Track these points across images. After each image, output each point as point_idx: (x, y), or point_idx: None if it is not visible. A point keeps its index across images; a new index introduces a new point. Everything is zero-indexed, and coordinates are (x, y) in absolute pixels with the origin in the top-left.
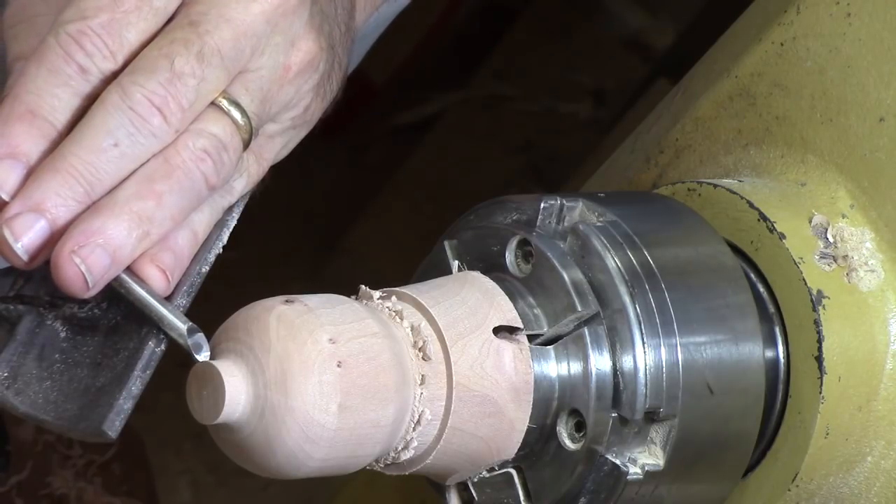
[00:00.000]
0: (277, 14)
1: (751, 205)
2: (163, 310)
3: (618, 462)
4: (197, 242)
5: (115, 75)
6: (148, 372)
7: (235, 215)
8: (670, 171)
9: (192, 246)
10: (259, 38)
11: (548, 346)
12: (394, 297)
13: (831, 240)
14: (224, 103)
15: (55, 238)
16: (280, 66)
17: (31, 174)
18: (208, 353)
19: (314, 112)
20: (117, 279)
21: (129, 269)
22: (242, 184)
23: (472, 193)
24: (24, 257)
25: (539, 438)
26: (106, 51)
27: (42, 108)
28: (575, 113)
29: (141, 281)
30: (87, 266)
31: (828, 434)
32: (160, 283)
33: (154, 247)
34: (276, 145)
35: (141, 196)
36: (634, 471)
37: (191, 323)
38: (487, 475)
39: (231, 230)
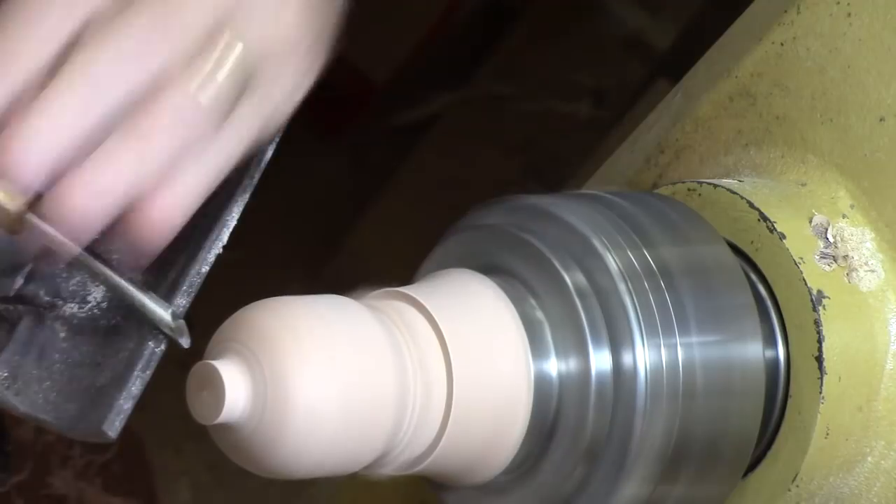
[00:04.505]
0: None
1: (751, 205)
2: (143, 296)
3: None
4: (198, 195)
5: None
6: (148, 372)
7: (235, 215)
8: (670, 171)
9: (194, 197)
10: None
11: (548, 346)
12: (394, 298)
13: (831, 240)
14: (226, 38)
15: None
16: (279, 2)
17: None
18: (188, 342)
19: (318, 56)
20: (94, 268)
21: (106, 260)
22: (244, 131)
23: (472, 193)
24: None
25: (539, 438)
26: None
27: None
28: (575, 113)
29: (120, 271)
30: (83, 203)
31: (828, 434)
32: (161, 229)
33: (152, 196)
34: (277, 91)
35: (129, 137)
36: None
37: (173, 308)
38: (487, 476)
39: (231, 230)
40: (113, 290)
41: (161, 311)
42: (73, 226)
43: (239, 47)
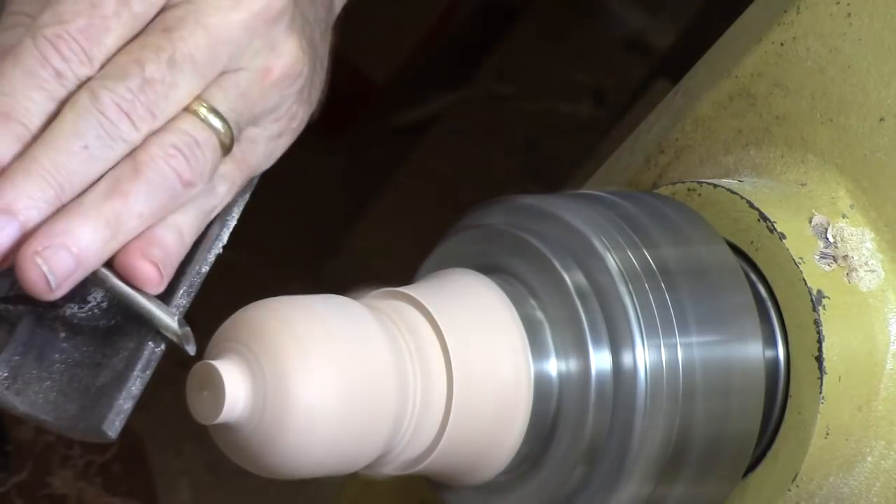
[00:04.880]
0: (257, 21)
1: (751, 205)
2: (151, 305)
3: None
4: (184, 244)
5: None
6: (148, 372)
7: (235, 215)
8: (670, 171)
9: (180, 246)
10: (237, 45)
11: (548, 346)
12: (394, 298)
13: (831, 240)
14: (200, 108)
15: (26, 240)
16: (260, 70)
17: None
18: (194, 349)
19: (300, 119)
20: (100, 276)
21: (111, 266)
22: (225, 189)
23: (472, 193)
24: None
25: (539, 438)
26: (83, 56)
27: (16, 110)
28: (575, 113)
29: (127, 281)
30: (49, 267)
31: (828, 434)
32: (153, 276)
33: (142, 242)
34: (258, 151)
35: (108, 196)
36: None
37: (179, 317)
38: (487, 476)
39: (231, 230)
40: (119, 297)
41: (167, 319)
42: (40, 290)
43: (220, 121)
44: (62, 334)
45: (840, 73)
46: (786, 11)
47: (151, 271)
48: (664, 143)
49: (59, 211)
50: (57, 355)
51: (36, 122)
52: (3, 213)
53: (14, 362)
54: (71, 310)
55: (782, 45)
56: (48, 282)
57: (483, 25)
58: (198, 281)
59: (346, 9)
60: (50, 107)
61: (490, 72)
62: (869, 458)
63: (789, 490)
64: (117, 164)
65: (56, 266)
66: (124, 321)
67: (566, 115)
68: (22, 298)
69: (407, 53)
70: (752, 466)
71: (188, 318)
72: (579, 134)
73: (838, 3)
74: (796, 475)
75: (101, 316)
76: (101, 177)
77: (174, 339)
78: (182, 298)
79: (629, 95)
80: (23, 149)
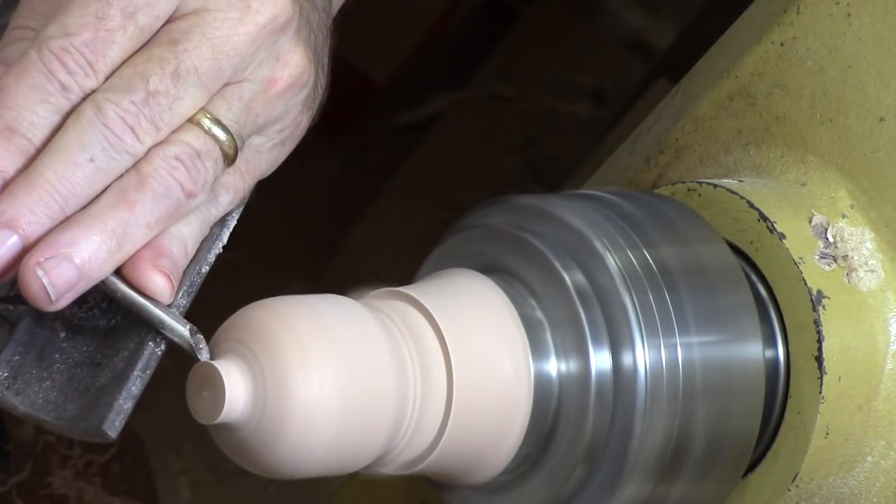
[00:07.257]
0: (263, 33)
1: (751, 205)
2: (162, 313)
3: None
4: (187, 255)
5: None
6: (148, 372)
7: (235, 215)
8: (670, 171)
9: (184, 257)
10: (242, 58)
11: (548, 346)
12: (394, 297)
13: (831, 240)
14: (203, 119)
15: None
16: (265, 80)
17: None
18: (208, 355)
19: (303, 126)
20: (109, 285)
21: (121, 275)
22: (228, 199)
23: (472, 193)
24: None
25: (539, 438)
26: (88, 69)
27: (21, 124)
28: (575, 113)
29: (137, 289)
30: (49, 279)
31: (828, 434)
32: (165, 287)
33: (150, 253)
34: (261, 161)
35: (114, 207)
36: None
37: (190, 324)
38: (487, 476)
39: (231, 230)
40: (130, 306)
41: (179, 327)
42: (41, 301)
43: (225, 133)
44: (62, 334)
45: (840, 73)
46: (786, 11)
47: (163, 282)
48: (664, 143)
49: (64, 222)
50: (57, 355)
51: (40, 135)
52: (5, 227)
53: (14, 362)
54: (71, 310)
55: (782, 45)
56: (48, 293)
57: (483, 25)
58: (198, 281)
59: (345, 9)
60: (54, 120)
61: (490, 72)
62: (869, 458)
63: (789, 490)
64: (121, 176)
65: (57, 277)
66: (124, 321)
67: (566, 115)
68: (22, 298)
69: (407, 53)
70: (752, 466)
71: (188, 318)
72: (579, 134)
73: (838, 3)
74: (796, 475)
75: (101, 316)
76: (104, 189)
77: (186, 346)
78: (182, 298)
79: (629, 95)
80: (27, 162)
